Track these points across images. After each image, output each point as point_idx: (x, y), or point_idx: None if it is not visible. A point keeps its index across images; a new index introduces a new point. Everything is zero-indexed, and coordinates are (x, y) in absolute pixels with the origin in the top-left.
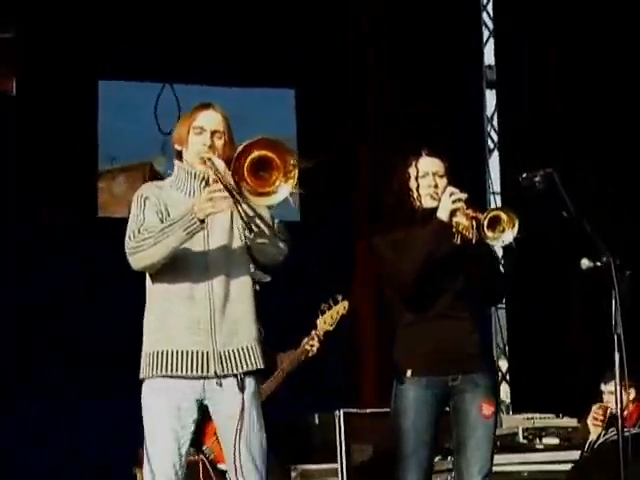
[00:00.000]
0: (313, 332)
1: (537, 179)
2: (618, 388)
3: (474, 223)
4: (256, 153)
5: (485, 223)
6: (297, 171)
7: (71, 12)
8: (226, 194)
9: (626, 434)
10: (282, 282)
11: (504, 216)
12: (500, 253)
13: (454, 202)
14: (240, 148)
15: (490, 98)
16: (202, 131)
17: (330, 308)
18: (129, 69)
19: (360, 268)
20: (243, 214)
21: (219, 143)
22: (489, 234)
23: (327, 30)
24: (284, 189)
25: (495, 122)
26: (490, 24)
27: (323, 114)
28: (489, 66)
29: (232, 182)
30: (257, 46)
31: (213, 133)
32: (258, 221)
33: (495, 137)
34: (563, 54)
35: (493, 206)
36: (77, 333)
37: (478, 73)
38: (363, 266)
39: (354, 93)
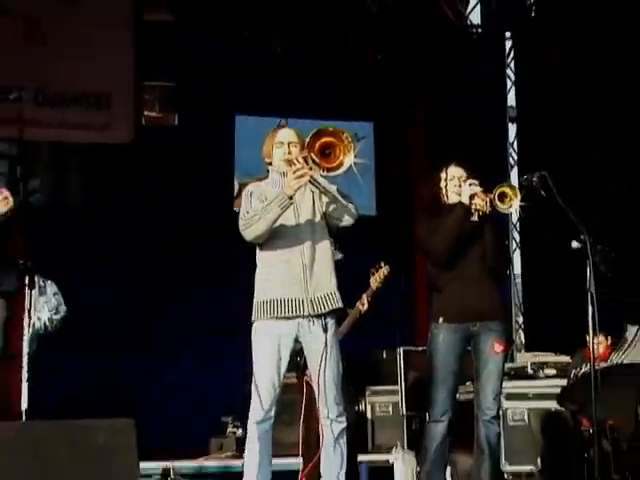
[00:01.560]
0: (363, 295)
1: (534, 179)
2: (591, 333)
3: (488, 201)
4: (319, 141)
5: (496, 198)
6: (354, 144)
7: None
8: (305, 170)
9: (597, 367)
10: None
11: (508, 190)
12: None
13: (471, 191)
14: (308, 139)
15: (512, 129)
16: (282, 144)
17: (377, 271)
18: (257, 107)
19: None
20: (319, 185)
21: (295, 150)
22: (501, 205)
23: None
24: (347, 160)
25: (515, 146)
26: (512, 77)
27: None
28: (511, 106)
29: (306, 165)
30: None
31: (289, 144)
32: (329, 192)
33: (515, 157)
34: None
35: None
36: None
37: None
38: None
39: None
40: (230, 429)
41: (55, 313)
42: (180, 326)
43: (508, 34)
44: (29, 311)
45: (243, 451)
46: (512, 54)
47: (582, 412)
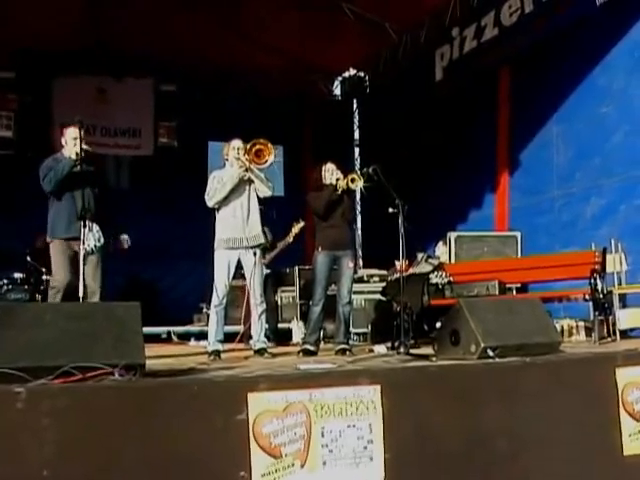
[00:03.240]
0: (289, 235)
1: (370, 170)
2: (401, 257)
3: (346, 183)
4: (254, 147)
5: (349, 182)
6: (274, 151)
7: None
8: (246, 164)
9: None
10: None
11: (356, 176)
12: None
13: (337, 177)
14: (248, 146)
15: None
16: (234, 149)
17: (298, 223)
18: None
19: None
20: (253, 174)
21: (241, 152)
22: (352, 185)
23: None
24: (270, 159)
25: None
26: (357, 122)
27: None
28: (356, 139)
29: (246, 160)
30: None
31: (238, 148)
32: (258, 176)
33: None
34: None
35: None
36: None
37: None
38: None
39: None
40: (204, 310)
41: (98, 242)
42: (178, 250)
43: (355, 100)
44: (83, 241)
45: None
46: (357, 111)
47: (393, 299)
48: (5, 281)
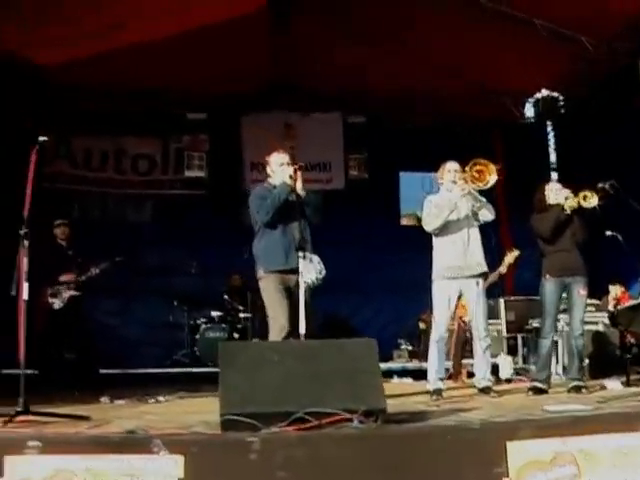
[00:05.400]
0: (502, 265)
1: (607, 185)
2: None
3: (578, 202)
4: (474, 167)
5: (582, 200)
6: (497, 172)
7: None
8: (465, 186)
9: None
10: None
11: (589, 194)
12: None
13: (566, 195)
14: (466, 168)
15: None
16: (449, 172)
17: (512, 251)
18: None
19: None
20: (472, 197)
21: (458, 174)
22: (584, 203)
23: None
24: (491, 180)
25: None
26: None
27: None
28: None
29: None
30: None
31: (455, 171)
32: (478, 199)
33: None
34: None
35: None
36: None
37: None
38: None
39: None
40: (403, 345)
41: (319, 274)
42: (371, 284)
43: (549, 122)
44: (301, 273)
45: (413, 358)
46: (552, 133)
47: (626, 330)
48: (203, 320)
